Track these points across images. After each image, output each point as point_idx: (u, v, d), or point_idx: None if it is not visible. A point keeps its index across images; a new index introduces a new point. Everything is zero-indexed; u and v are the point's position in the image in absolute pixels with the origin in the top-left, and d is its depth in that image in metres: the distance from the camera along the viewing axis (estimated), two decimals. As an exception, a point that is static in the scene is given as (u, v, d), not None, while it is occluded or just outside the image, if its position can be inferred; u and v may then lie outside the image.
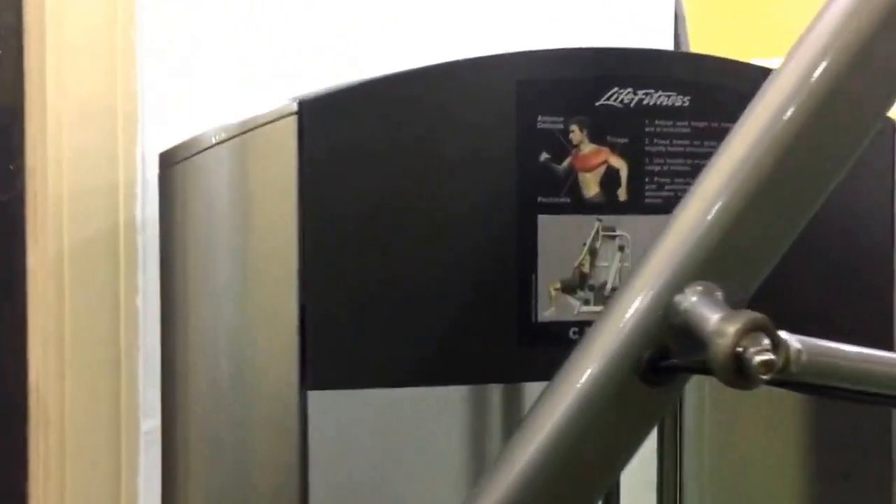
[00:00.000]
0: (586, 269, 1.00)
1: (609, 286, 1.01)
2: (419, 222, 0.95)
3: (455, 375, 0.97)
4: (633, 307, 0.71)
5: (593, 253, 1.00)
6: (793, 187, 0.71)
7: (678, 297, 0.69)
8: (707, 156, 1.04)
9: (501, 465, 0.73)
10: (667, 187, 1.02)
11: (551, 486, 0.72)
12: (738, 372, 0.63)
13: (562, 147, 0.98)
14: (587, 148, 0.99)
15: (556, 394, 0.73)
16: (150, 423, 1.37)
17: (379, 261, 0.94)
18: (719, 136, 1.04)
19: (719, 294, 0.69)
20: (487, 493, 0.72)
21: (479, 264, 0.97)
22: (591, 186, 0.99)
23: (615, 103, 0.99)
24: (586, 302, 1.00)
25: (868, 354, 0.70)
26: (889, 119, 1.12)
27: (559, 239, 0.98)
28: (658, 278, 0.70)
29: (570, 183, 0.98)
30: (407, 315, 0.95)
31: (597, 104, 0.99)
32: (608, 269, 1.00)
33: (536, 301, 0.98)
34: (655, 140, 1.01)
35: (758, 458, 1.14)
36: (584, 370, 0.72)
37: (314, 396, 0.94)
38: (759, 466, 1.14)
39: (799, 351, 0.65)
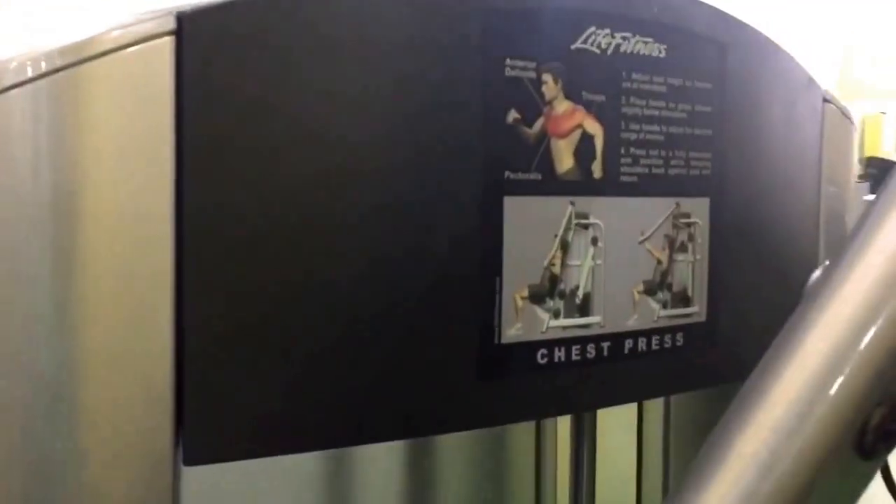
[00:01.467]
0: (557, 269, 0.74)
1: (581, 292, 0.76)
2: (346, 204, 0.64)
3: (396, 426, 0.68)
4: (849, 341, 0.46)
5: (565, 247, 0.74)
6: None
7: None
8: (680, 122, 0.83)
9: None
10: (642, 161, 0.78)
11: None
12: None
13: (534, 104, 0.71)
14: (561, 106, 0.73)
15: (725, 471, 0.47)
16: None
17: (291, 258, 0.63)
18: (694, 98, 0.83)
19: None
20: None
21: (427, 265, 0.68)
22: (564, 158, 0.74)
23: (592, 48, 0.74)
24: (556, 314, 0.74)
25: None
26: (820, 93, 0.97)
27: (527, 229, 0.72)
28: (888, 291, 0.47)
29: (542, 153, 0.72)
30: (329, 339, 0.64)
31: (572, 47, 0.73)
32: (580, 268, 0.76)
33: (500, 315, 0.71)
34: (632, 99, 0.77)
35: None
36: (769, 444, 0.47)
37: (191, 473, 0.61)
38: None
39: None
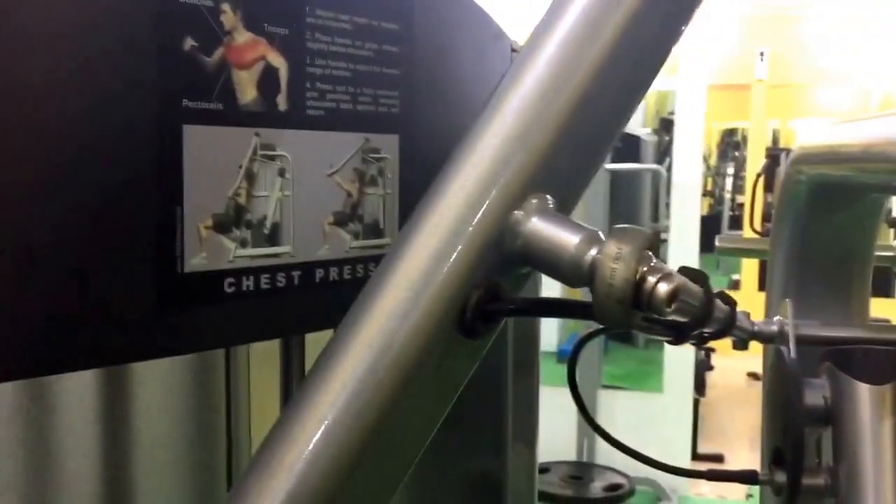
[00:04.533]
0: (242, 199, 0.75)
1: (269, 222, 0.77)
2: (16, 133, 0.63)
3: (78, 358, 0.67)
4: (452, 232, 0.51)
5: (251, 178, 0.76)
6: (619, 81, 0.56)
7: (515, 215, 0.51)
8: (368, 60, 0.86)
9: (284, 436, 0.50)
10: (329, 96, 0.81)
11: (354, 459, 0.49)
12: (636, 306, 0.47)
13: (211, 33, 0.72)
14: (242, 37, 0.74)
15: (346, 356, 0.50)
16: None
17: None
18: (380, 38, 0.86)
19: (552, 207, 0.52)
20: (271, 474, 0.48)
21: (105, 197, 0.67)
22: (247, 89, 0.75)
23: (273, -19, 0.76)
24: (243, 243, 0.75)
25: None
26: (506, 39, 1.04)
27: (210, 159, 0.73)
28: (485, 192, 0.51)
29: (223, 83, 0.73)
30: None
31: (252, -21, 0.74)
32: (268, 199, 0.77)
33: (183, 244, 0.71)
34: (318, 35, 0.79)
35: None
36: (383, 327, 0.51)
37: None
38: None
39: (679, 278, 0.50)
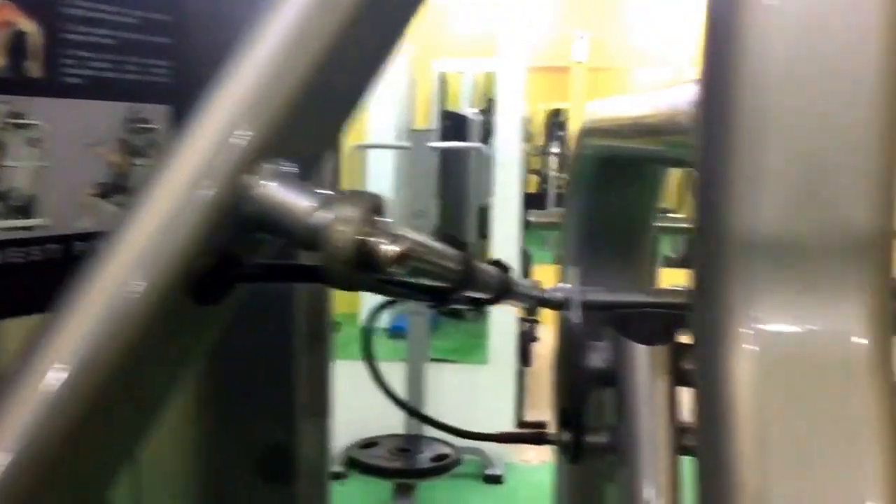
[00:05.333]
0: (-9, 170, 0.72)
1: (23, 193, 0.74)
2: None
3: None
4: (183, 199, 0.50)
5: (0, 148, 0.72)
6: (359, 48, 0.56)
7: (248, 180, 0.50)
8: (136, 28, 0.83)
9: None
10: (91, 64, 0.78)
11: (76, 430, 0.48)
12: (363, 267, 0.47)
13: (-49, -7, 0.68)
14: (-13, -1, 0.70)
15: (69, 323, 0.48)
16: None
17: None
18: (147, 5, 0.84)
19: (294, 174, 0.52)
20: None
21: None
22: (-7, 54, 0.71)
23: (21, -59, 0.72)
24: (-7, 216, 0.72)
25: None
26: None
27: (-48, 127, 0.69)
28: (215, 156, 0.50)
29: (-35, 47, 0.69)
30: None
31: (-3, -61, 0.71)
32: (20, 170, 0.74)
33: (-78, 216, 0.67)
34: (76, 1, 0.76)
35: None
36: (110, 293, 0.49)
37: None
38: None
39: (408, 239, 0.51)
